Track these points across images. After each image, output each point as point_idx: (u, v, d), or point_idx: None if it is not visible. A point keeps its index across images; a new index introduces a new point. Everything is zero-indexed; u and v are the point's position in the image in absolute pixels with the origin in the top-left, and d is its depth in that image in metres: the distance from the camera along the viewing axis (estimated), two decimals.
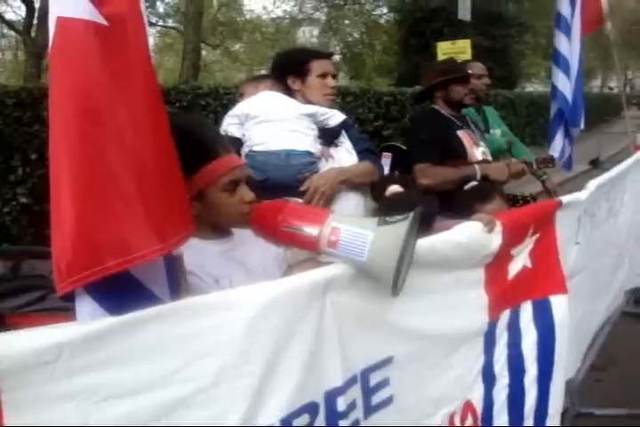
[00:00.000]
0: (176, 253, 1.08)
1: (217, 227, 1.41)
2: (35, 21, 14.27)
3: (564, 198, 1.93)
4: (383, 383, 1.22)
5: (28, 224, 5.08)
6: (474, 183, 2.58)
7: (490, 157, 2.95)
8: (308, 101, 2.34)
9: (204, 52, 21.11)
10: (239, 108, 2.32)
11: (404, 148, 2.92)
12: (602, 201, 2.37)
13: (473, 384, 1.53)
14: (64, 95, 0.95)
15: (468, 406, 1.50)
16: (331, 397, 1.08)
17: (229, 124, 2.29)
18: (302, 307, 1.03)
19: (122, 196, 0.94)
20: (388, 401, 1.23)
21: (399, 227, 1.09)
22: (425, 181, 2.67)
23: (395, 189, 2.09)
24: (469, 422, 1.50)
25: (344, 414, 1.10)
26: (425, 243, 1.28)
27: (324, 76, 2.37)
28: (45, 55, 13.81)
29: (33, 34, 14.35)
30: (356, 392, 1.15)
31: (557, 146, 3.63)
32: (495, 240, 1.54)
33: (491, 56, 12.80)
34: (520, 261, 1.69)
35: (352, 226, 1.13)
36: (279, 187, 2.09)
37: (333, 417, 1.08)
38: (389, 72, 20.18)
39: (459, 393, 1.48)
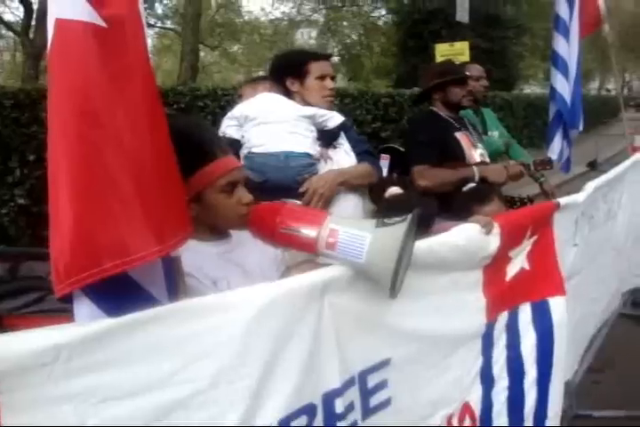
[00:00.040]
0: (174, 255, 1.08)
1: (215, 229, 1.41)
2: (33, 22, 14.27)
3: (562, 200, 1.93)
4: (381, 385, 1.22)
5: (26, 225, 5.08)
6: (472, 185, 2.59)
7: (488, 159, 2.95)
8: (307, 103, 2.34)
9: (202, 54, 21.11)
10: (238, 110, 2.32)
11: (402, 149, 2.93)
12: (600, 203, 2.38)
13: (471, 386, 1.53)
14: (63, 97, 0.95)
15: (466, 408, 1.50)
16: (329, 398, 1.08)
17: (228, 126, 2.30)
18: (300, 309, 1.03)
19: (120, 197, 0.94)
20: (386, 403, 1.23)
21: (397, 229, 1.10)
22: (423, 183, 2.67)
23: (394, 190, 2.10)
24: (467, 423, 1.50)
25: (342, 416, 1.10)
26: (423, 245, 1.28)
27: (322, 77, 2.37)
28: (43, 56, 13.81)
29: (31, 35, 14.35)
30: (353, 394, 1.15)
31: (556, 148, 3.64)
32: (493, 242, 1.54)
33: (489, 58, 12.81)
34: (518, 262, 1.69)
35: (350, 228, 1.13)
36: (278, 188, 2.10)
37: (331, 419, 1.08)
38: (387, 74, 20.19)
39: (457, 395, 1.48)
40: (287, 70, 2.39)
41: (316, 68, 2.36)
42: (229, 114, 2.34)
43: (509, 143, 3.61)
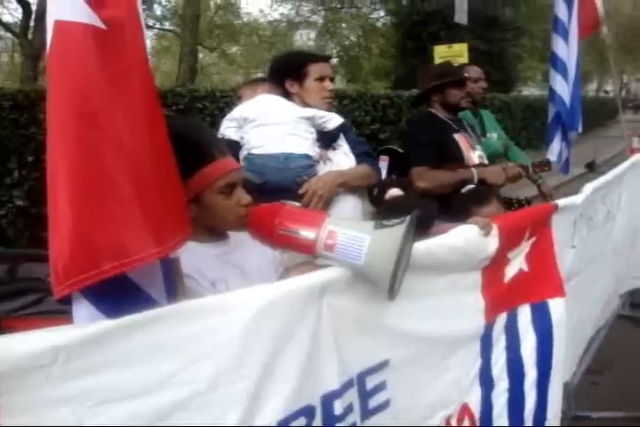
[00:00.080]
0: (173, 257, 1.08)
1: (213, 230, 1.41)
2: (31, 23, 14.26)
3: (561, 202, 1.94)
4: (380, 387, 1.22)
5: (25, 227, 5.07)
6: (471, 186, 2.59)
7: (486, 161, 2.95)
8: (306, 105, 2.34)
9: (200, 55, 21.14)
10: (237, 112, 2.32)
11: (400, 151, 2.93)
12: (598, 205, 2.38)
13: (470, 387, 1.54)
14: (62, 98, 0.95)
15: (464, 410, 1.50)
16: (327, 400, 1.08)
17: (227, 128, 2.30)
18: (299, 310, 1.03)
19: (119, 199, 0.94)
20: (384, 405, 1.23)
21: (396, 230, 1.10)
22: (422, 185, 2.67)
23: (395, 192, 2.10)
24: (466, 423, 1.50)
25: (341, 418, 1.10)
26: (421, 246, 1.28)
27: (321, 79, 2.37)
28: (42, 58, 13.81)
29: (29, 36, 14.35)
30: (352, 396, 1.15)
31: (555, 149, 3.64)
32: (492, 244, 1.54)
33: (487, 60, 12.82)
34: (516, 264, 1.70)
35: (349, 229, 1.13)
36: (278, 190, 2.10)
37: (330, 420, 1.08)
38: (386, 75, 20.20)
39: (455, 396, 1.48)
40: (286, 72, 2.39)
41: (315, 69, 2.36)
42: (229, 115, 2.34)
43: (508, 145, 3.61)
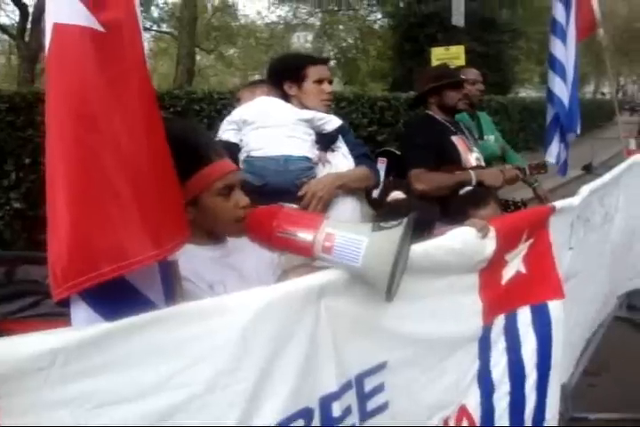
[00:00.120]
0: (171, 259, 1.08)
1: (211, 233, 1.41)
2: (28, 26, 14.26)
3: (558, 204, 1.94)
4: (378, 389, 1.22)
5: (22, 229, 5.07)
6: (468, 188, 2.59)
7: (483, 163, 2.96)
8: (305, 107, 2.35)
9: (198, 57, 21.12)
10: (237, 114, 2.32)
11: (398, 153, 2.93)
12: (596, 206, 2.38)
13: (468, 389, 1.54)
14: (60, 100, 0.95)
15: (462, 411, 1.51)
16: (326, 402, 1.08)
17: (226, 130, 2.30)
18: (297, 312, 1.03)
19: (117, 201, 0.94)
20: (383, 407, 1.23)
21: (393, 232, 1.10)
22: (420, 187, 2.68)
23: (397, 195, 2.11)
24: (464, 424, 1.50)
25: (339, 420, 1.10)
26: (419, 248, 1.28)
27: (320, 81, 2.38)
28: (39, 59, 13.82)
29: (26, 38, 14.35)
30: (351, 398, 1.15)
31: (554, 151, 3.65)
32: (489, 245, 1.54)
33: (484, 62, 12.85)
34: (514, 266, 1.70)
35: (347, 232, 1.14)
36: (277, 192, 2.10)
37: (329, 423, 1.08)
38: (383, 77, 20.23)
39: (453, 398, 1.48)
40: (285, 74, 2.40)
41: (313, 72, 2.37)
42: (228, 118, 2.35)
43: (505, 148, 3.62)
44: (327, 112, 2.38)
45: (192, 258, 1.25)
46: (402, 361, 1.28)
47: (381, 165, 2.81)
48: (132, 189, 0.95)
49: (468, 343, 1.54)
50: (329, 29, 24.42)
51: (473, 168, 2.81)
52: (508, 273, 1.67)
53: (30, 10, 14.20)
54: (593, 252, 2.37)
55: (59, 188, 0.93)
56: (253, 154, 2.20)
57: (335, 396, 1.09)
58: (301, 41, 29.11)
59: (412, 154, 2.81)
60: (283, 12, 24.70)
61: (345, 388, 1.13)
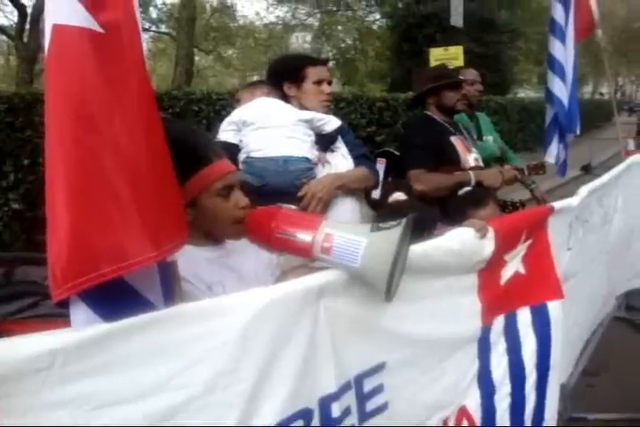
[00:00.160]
0: (170, 260, 1.08)
1: (210, 234, 1.41)
2: (27, 26, 14.25)
3: (556, 204, 1.94)
4: (377, 389, 1.22)
5: (20, 230, 5.07)
6: (467, 189, 2.60)
7: (482, 164, 2.96)
8: (304, 107, 2.35)
9: (196, 58, 21.14)
10: (236, 115, 2.32)
11: (397, 153, 2.93)
12: (594, 207, 2.38)
13: (467, 390, 1.54)
14: (59, 101, 0.95)
15: (462, 412, 1.51)
16: (325, 403, 1.08)
17: (226, 131, 2.30)
18: (296, 313, 1.03)
19: (117, 202, 0.94)
20: (382, 407, 1.23)
21: (392, 233, 1.10)
22: (419, 187, 2.68)
23: (398, 196, 2.11)
24: (464, 424, 1.50)
25: (338, 421, 1.10)
26: (417, 249, 1.28)
27: (319, 82, 2.39)
28: (37, 60, 13.81)
29: (25, 39, 14.33)
30: (350, 398, 1.15)
31: (553, 151, 3.65)
32: (488, 246, 1.54)
33: (483, 62, 12.85)
34: (513, 266, 1.70)
35: (345, 232, 1.14)
36: (277, 193, 2.11)
37: (328, 423, 1.08)
38: (382, 78, 20.24)
39: (453, 398, 1.48)
40: (285, 75, 2.40)
41: (313, 72, 2.37)
42: (227, 118, 2.35)
43: (503, 149, 3.62)
44: (326, 113, 2.39)
45: (191, 259, 1.25)
46: (401, 362, 1.28)
47: (380, 165, 2.81)
48: (131, 190, 0.95)
49: (467, 344, 1.54)
50: (327, 30, 24.42)
51: (472, 169, 2.81)
52: (506, 274, 1.67)
53: (29, 10, 14.20)
54: (591, 252, 2.37)
55: (58, 188, 0.93)
56: (253, 155, 2.20)
57: (334, 396, 1.09)
58: (300, 41, 29.13)
59: (411, 154, 2.81)
60: (281, 12, 24.74)
61: (344, 388, 1.13)
